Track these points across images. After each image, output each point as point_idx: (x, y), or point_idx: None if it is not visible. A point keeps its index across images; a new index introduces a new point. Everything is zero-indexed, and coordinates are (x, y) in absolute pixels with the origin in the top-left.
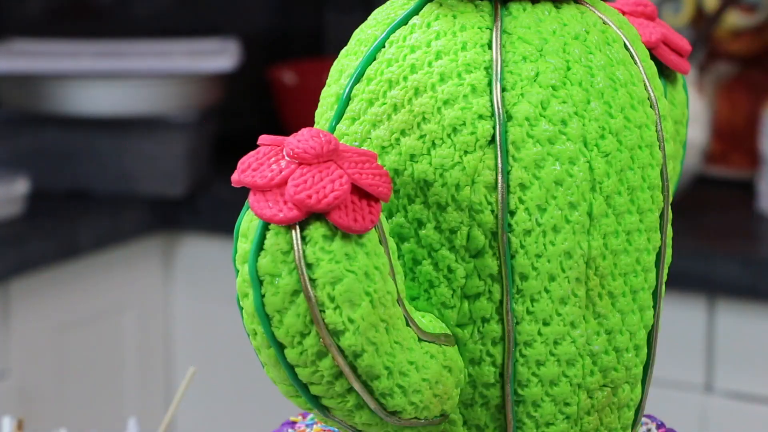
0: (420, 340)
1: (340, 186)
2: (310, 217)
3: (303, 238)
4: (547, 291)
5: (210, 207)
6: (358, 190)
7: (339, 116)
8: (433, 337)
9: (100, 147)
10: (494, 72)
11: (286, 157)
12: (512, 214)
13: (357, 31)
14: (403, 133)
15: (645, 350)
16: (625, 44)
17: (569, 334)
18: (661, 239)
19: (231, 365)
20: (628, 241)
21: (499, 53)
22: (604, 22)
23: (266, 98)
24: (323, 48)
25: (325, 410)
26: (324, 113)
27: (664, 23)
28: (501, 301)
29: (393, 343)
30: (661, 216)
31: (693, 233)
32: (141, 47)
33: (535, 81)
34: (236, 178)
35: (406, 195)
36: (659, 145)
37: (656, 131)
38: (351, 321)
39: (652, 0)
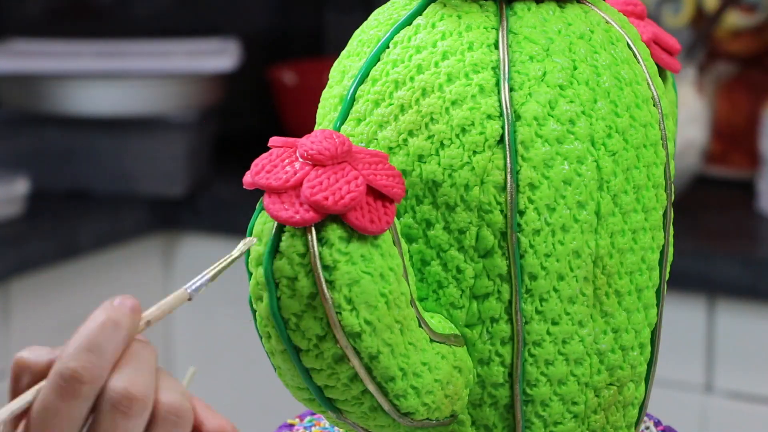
0: (431, 340)
1: (356, 187)
2: (325, 219)
3: (319, 240)
4: (556, 290)
5: (210, 207)
6: (372, 191)
7: (344, 117)
8: (444, 337)
9: (100, 147)
10: (502, 72)
11: (300, 159)
12: (521, 213)
13: (357, 31)
14: (410, 133)
15: (649, 348)
16: (627, 43)
17: (577, 333)
18: (664, 238)
19: (231, 366)
20: (634, 240)
21: (506, 53)
22: (607, 22)
23: (266, 98)
24: (323, 48)
25: (339, 413)
26: (327, 114)
27: (653, 22)
28: (510, 301)
29: (407, 345)
30: (664, 214)
31: (693, 233)
32: (141, 47)
33: (542, 80)
34: (249, 180)
35: (414, 196)
36: (662, 144)
37: (660, 129)
38: (368, 323)
39: (652, 0)
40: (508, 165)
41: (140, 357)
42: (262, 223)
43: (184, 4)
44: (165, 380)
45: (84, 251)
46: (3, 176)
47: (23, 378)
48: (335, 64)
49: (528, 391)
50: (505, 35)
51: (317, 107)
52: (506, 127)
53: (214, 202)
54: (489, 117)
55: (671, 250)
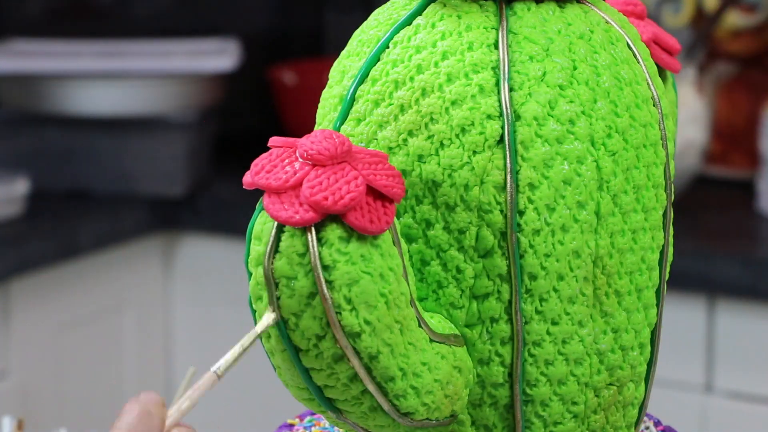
0: (431, 340)
1: (355, 187)
2: (325, 219)
3: (319, 239)
4: (555, 290)
5: (210, 207)
6: (372, 191)
7: (344, 117)
8: (444, 337)
9: (100, 147)
10: (502, 72)
11: (300, 159)
12: (521, 213)
13: (357, 32)
14: (410, 133)
15: (649, 348)
16: (627, 43)
17: (577, 333)
18: (664, 238)
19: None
20: (634, 240)
21: (506, 53)
22: (607, 22)
23: (266, 98)
24: (323, 48)
25: (338, 413)
26: (327, 114)
27: (653, 22)
28: (510, 301)
29: (407, 345)
30: (664, 215)
31: (693, 233)
32: (141, 47)
33: (542, 80)
34: (249, 180)
35: (414, 195)
36: (662, 144)
37: (660, 129)
38: (367, 323)
39: (652, 0)
40: (508, 165)
41: None
42: (262, 223)
43: (184, 4)
44: None
45: (84, 251)
46: (3, 176)
47: None
48: (335, 64)
49: (528, 391)
50: (504, 35)
51: (317, 107)
52: (506, 127)
53: (214, 202)
54: (489, 117)
55: (671, 250)
